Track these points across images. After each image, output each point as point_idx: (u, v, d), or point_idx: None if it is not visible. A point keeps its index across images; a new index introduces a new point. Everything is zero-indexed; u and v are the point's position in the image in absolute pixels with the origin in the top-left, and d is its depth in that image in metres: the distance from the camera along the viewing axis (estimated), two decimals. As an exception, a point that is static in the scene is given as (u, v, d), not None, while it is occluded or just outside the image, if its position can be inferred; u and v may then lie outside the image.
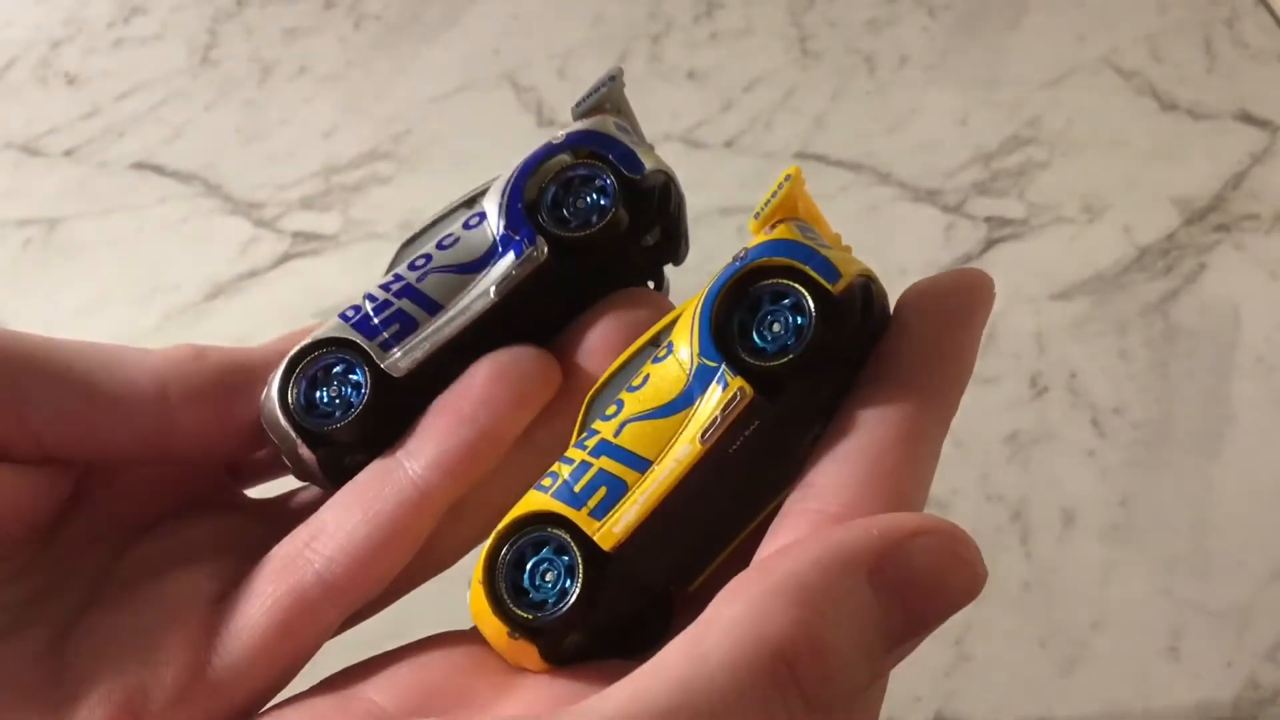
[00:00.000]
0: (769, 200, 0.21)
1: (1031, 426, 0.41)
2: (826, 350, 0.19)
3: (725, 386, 0.20)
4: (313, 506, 0.23)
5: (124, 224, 0.49)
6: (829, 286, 0.20)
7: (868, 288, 0.20)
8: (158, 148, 0.52)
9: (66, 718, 0.21)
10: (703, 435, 0.20)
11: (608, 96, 0.24)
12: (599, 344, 0.23)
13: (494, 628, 0.20)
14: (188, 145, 0.52)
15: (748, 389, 0.19)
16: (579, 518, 0.20)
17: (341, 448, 0.22)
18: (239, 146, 0.52)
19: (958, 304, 0.20)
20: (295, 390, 0.22)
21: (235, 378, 0.23)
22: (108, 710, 0.20)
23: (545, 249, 0.23)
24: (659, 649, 0.17)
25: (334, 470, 0.23)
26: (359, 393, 0.22)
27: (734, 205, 0.47)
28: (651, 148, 0.24)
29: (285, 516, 0.25)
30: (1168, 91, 0.51)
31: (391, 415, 0.22)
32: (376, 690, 0.21)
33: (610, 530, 0.20)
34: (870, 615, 0.17)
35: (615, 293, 0.23)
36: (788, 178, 0.21)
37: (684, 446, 0.20)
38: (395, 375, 0.22)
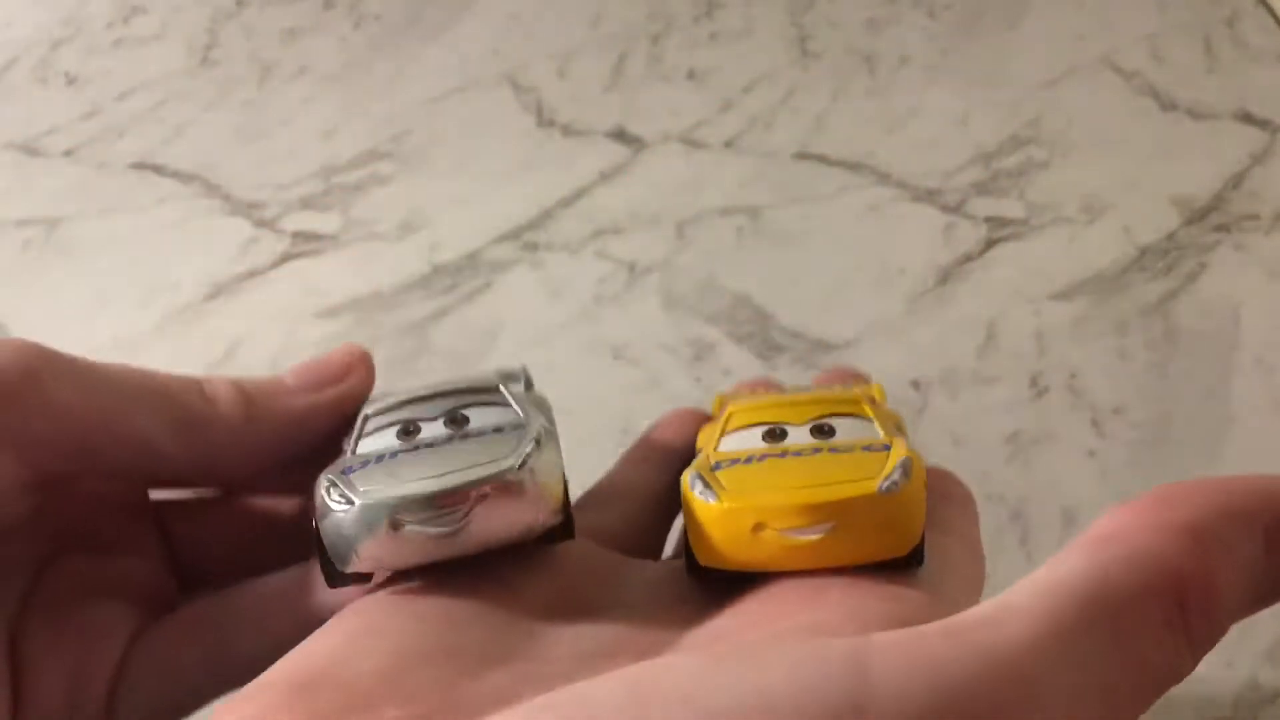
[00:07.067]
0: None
1: (1031, 426, 0.41)
2: None
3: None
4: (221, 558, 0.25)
5: (124, 224, 0.49)
6: None
7: None
8: (158, 148, 0.52)
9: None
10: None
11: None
12: None
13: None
14: (188, 145, 0.52)
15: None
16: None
17: None
18: (239, 146, 0.52)
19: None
20: None
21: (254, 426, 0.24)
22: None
23: None
24: None
25: None
26: None
27: (733, 205, 0.47)
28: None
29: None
30: (1168, 91, 0.51)
31: None
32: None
33: None
34: (1254, 569, 0.17)
35: None
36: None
37: None
38: None
